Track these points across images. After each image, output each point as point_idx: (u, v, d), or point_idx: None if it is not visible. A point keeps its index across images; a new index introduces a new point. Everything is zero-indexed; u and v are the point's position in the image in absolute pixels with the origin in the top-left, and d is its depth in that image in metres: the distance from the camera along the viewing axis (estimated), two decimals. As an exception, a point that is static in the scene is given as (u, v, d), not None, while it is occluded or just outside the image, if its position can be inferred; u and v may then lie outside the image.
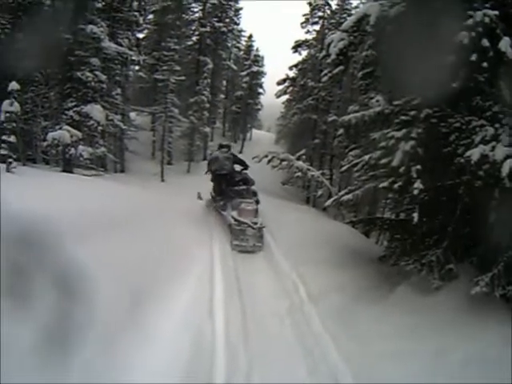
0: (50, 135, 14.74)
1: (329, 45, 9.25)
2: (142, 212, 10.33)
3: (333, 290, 8.28)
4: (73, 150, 15.32)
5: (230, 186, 13.12)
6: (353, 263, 9.78)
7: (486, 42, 6.95)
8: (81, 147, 15.64)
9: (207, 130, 30.33)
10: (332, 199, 11.58)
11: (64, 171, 15.78)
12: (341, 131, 15.97)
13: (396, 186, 8.30)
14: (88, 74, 16.23)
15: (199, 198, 15.63)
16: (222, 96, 37.34)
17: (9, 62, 18.47)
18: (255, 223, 11.35)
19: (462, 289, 6.88)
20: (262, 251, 10.95)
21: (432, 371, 5.37)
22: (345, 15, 25.70)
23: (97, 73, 16.61)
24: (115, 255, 6.62)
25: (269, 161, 20.36)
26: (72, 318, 3.98)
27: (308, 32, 29.34)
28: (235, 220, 11.53)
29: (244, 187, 13.13)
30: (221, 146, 14.64)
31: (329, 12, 29.37)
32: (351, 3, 28.41)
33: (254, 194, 13.27)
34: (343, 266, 9.46)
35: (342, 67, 9.59)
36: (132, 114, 27.16)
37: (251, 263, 10.10)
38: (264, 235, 11.56)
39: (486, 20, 6.85)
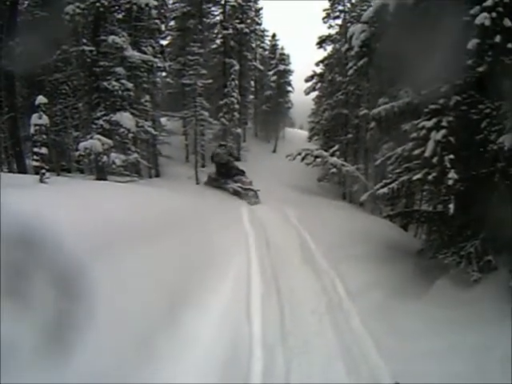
0: (82, 145, 14.81)
1: (351, 37, 9.19)
2: (178, 215, 10.28)
3: (371, 287, 8.20)
4: (105, 158, 15.34)
5: (228, 171, 21.40)
6: (391, 258, 9.72)
7: (508, 22, 6.73)
8: (113, 155, 15.65)
9: (239, 130, 30.29)
10: (367, 193, 11.50)
11: (98, 179, 15.90)
12: (372, 124, 15.76)
13: (430, 177, 8.21)
14: (114, 83, 16.25)
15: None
16: (252, 97, 37.41)
17: (36, 76, 19.03)
18: (253, 189, 20.02)
19: (502, 281, 6.72)
20: (301, 251, 10.78)
21: (473, 369, 5.16)
22: (365, 7, 25.17)
23: (123, 81, 16.61)
24: (154, 260, 6.67)
25: (302, 158, 20.31)
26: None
27: (330, 27, 29.12)
28: (241, 188, 20.30)
29: (240, 171, 21.44)
30: (220, 145, 23.49)
31: (349, 5, 29.15)
32: (371, -6, 28.01)
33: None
34: (381, 262, 9.40)
35: (366, 59, 9.51)
36: (163, 120, 27.30)
37: (291, 264, 9.89)
38: (302, 234, 12.10)
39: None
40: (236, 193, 20.56)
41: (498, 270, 7.23)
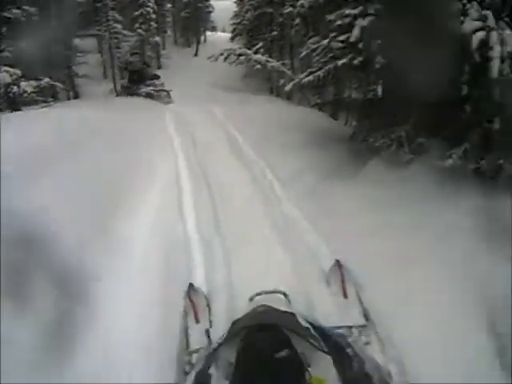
0: (-12, 78, 13.90)
1: None
2: (100, 128, 9.82)
3: (303, 172, 8.27)
4: (16, 88, 14.49)
5: (141, 77, 21.51)
6: (322, 144, 9.68)
7: None
8: (23, 83, 14.79)
9: (157, 39, 29.90)
10: (292, 82, 11.29)
11: (13, 110, 15.04)
12: (297, 21, 15.42)
13: (356, 61, 8.00)
14: (16, 10, 15.32)
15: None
16: (169, 5, 35.71)
17: None
18: (165, 90, 21.13)
19: (434, 163, 6.67)
20: (229, 146, 10.81)
21: (409, 244, 5.24)
22: None
23: (25, 7, 15.71)
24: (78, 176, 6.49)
25: (225, 58, 20.09)
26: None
27: None
28: (154, 90, 20.98)
29: (154, 76, 22.06)
30: (132, 54, 24.14)
31: None
32: None
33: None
34: (313, 148, 9.39)
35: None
36: (76, 40, 25.86)
37: (217, 158, 9.87)
38: (229, 130, 12.39)
39: None
40: (148, 95, 20.79)
41: (429, 153, 7.16)
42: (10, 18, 15.40)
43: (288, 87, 11.46)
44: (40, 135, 7.20)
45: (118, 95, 23.61)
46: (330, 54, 9.38)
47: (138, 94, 21.10)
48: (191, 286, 4.60)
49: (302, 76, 10.11)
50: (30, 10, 16.01)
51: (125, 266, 5.25)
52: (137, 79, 21.71)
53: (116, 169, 7.72)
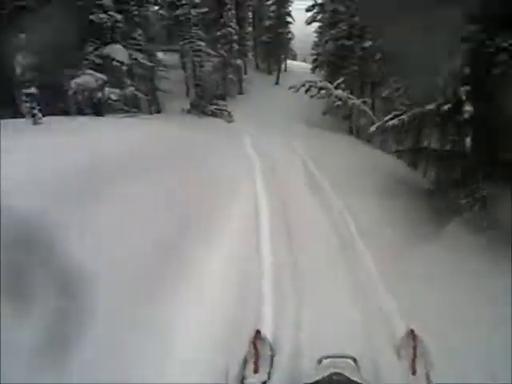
0: (74, 82, 14.27)
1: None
2: (183, 148, 10.14)
3: (382, 224, 8.07)
4: (100, 94, 14.82)
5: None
6: (400, 195, 9.48)
7: None
8: (108, 89, 15.10)
9: (239, 62, 29.63)
10: (376, 125, 11.15)
11: (95, 115, 15.40)
12: (379, 56, 15.17)
13: (445, 107, 7.77)
14: (102, 15, 15.51)
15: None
16: (250, 28, 36.44)
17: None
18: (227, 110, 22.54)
19: None
20: (309, 183, 10.67)
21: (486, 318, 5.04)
22: None
23: (111, 13, 15.88)
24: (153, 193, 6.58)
25: (306, 90, 20.07)
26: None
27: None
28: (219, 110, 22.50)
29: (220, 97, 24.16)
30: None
31: None
32: None
33: None
34: (391, 198, 9.18)
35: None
36: (159, 54, 26.43)
37: (295, 194, 9.85)
38: (308, 166, 12.23)
39: None
40: (213, 114, 23.25)
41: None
42: (95, 22, 15.67)
43: (371, 129, 11.28)
44: (131, 144, 7.58)
45: (188, 112, 24.09)
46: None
47: (205, 112, 23.17)
48: (258, 332, 4.41)
49: (387, 118, 9.91)
50: (115, 16, 16.27)
51: (193, 298, 5.24)
52: (202, 98, 24.22)
53: (197, 190, 7.88)
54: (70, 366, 3.51)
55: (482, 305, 5.32)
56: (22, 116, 15.83)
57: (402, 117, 9.25)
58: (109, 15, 15.72)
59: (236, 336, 4.66)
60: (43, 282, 3.72)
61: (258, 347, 4.25)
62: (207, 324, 4.89)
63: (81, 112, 19.59)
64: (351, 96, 20.61)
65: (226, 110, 23.93)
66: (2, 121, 13.43)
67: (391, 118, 9.63)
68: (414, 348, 4.28)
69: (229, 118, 23.27)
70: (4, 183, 4.03)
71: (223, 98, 25.19)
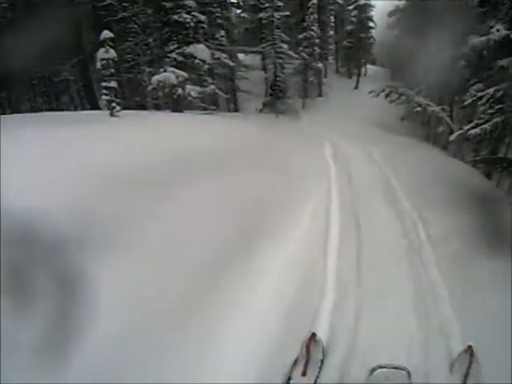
0: (155, 78, 14.72)
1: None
2: (257, 148, 10.37)
3: (452, 234, 7.93)
4: (180, 90, 15.17)
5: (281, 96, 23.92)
6: (473, 205, 9.14)
7: None
8: (188, 87, 15.50)
9: (320, 65, 29.48)
10: (457, 133, 10.99)
11: (173, 112, 15.80)
12: (461, 63, 14.82)
13: None
14: (185, 15, 15.91)
15: None
16: (332, 32, 36.26)
17: (101, 18, 19.05)
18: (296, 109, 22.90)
19: None
20: (383, 190, 10.74)
21: None
22: None
23: (195, 13, 16.31)
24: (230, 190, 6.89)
25: (387, 95, 20.26)
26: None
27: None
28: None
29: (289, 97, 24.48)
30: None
31: None
32: None
33: None
34: (463, 208, 8.89)
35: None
36: (240, 56, 26.87)
37: (370, 199, 9.97)
38: (385, 173, 12.24)
39: None
40: (282, 112, 24.05)
41: None
42: (178, 22, 16.08)
43: (452, 138, 11.11)
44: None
45: (261, 111, 24.63)
46: (499, 106, 8.91)
47: (277, 111, 23.80)
48: (313, 335, 4.46)
49: (468, 127, 9.72)
50: (199, 16, 16.67)
51: (251, 300, 5.32)
52: (276, 97, 25.02)
53: (269, 189, 8.07)
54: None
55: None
56: (100, 109, 16.66)
57: (483, 126, 9.05)
58: (192, 15, 16.13)
59: (291, 344, 4.67)
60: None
61: (311, 350, 4.31)
62: (260, 333, 4.91)
63: (157, 107, 20.27)
64: (431, 103, 20.26)
65: (294, 109, 24.91)
66: (83, 112, 14.12)
67: (472, 127, 9.43)
68: (469, 365, 4.24)
69: (296, 115, 24.28)
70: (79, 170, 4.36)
71: (290, 98, 25.93)
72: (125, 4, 18.76)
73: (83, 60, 17.56)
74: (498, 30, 10.71)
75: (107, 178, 4.82)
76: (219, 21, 21.88)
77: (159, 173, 5.71)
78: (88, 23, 20.19)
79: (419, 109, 20.35)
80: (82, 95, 21.42)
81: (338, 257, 6.83)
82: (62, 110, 20.36)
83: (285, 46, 25.24)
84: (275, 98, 25.11)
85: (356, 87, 33.47)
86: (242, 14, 28.83)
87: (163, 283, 4.47)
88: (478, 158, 13.34)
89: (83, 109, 21.16)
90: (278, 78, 25.82)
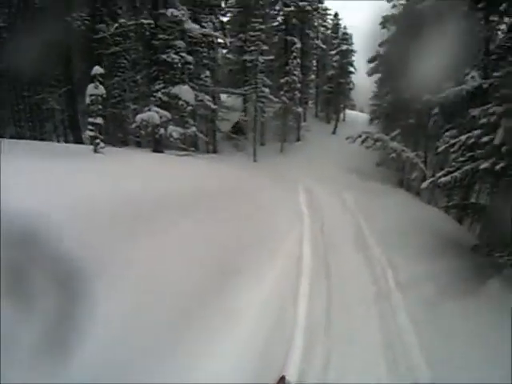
0: (139, 116, 15.03)
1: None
2: (235, 190, 10.70)
3: (422, 280, 8.07)
4: (162, 131, 15.45)
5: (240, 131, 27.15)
6: (444, 251, 9.38)
7: None
8: (171, 127, 15.82)
9: (300, 110, 29.99)
10: (428, 181, 11.23)
11: (155, 151, 16.04)
12: (436, 110, 15.33)
13: (498, 167, 7.83)
14: (174, 56, 16.25)
15: None
16: (313, 76, 36.78)
17: (93, 50, 19.49)
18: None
19: None
20: (354, 236, 10.88)
21: None
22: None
23: (183, 54, 16.63)
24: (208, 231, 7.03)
25: (363, 141, 20.42)
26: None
27: (394, 6, 27.92)
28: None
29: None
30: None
31: (414, -15, 27.93)
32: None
33: None
34: (434, 254, 9.13)
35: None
36: (223, 96, 27.32)
37: (341, 245, 10.09)
38: (357, 219, 12.41)
39: None
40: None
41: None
42: (166, 62, 16.37)
43: (423, 186, 11.41)
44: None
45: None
46: (469, 154, 9.24)
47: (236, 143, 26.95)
48: (283, 378, 4.44)
49: (439, 175, 10.02)
50: (187, 57, 16.94)
51: (224, 339, 5.35)
52: (237, 132, 27.76)
53: (245, 231, 8.25)
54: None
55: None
56: (82, 141, 16.85)
57: (454, 174, 9.34)
58: (180, 56, 16.43)
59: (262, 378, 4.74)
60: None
61: None
62: (230, 374, 4.91)
63: (139, 145, 20.50)
64: (405, 149, 20.71)
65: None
66: (67, 145, 14.25)
67: (444, 175, 9.72)
68: None
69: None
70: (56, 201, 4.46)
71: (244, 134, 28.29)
72: (117, 38, 19.07)
73: (71, 90, 17.76)
74: (472, 77, 11.13)
75: (94, 213, 4.96)
76: (205, 61, 22.32)
77: (142, 210, 5.84)
78: (79, 53, 20.60)
79: (394, 155, 20.78)
80: (66, 125, 21.60)
81: (309, 302, 6.94)
82: (45, 138, 20.76)
83: (266, 90, 25.71)
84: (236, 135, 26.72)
85: (334, 132, 33.97)
86: (228, 55, 29.40)
87: (140, 318, 4.53)
88: (450, 204, 13.67)
89: (66, 139, 21.55)
90: (240, 119, 27.56)
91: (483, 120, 8.52)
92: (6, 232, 3.63)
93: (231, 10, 31.87)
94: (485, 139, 8.36)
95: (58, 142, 21.17)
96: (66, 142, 20.53)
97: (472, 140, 9.17)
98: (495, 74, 8.60)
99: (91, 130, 9.40)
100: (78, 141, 17.61)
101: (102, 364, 3.81)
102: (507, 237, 8.18)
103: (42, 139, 19.65)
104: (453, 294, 7.34)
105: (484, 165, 8.22)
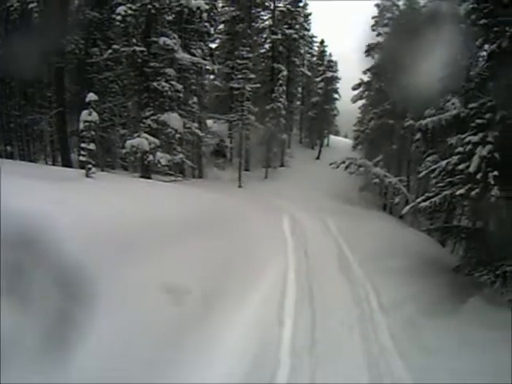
0: (129, 143, 15.19)
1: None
2: (220, 216, 10.72)
3: (405, 301, 8.19)
4: (151, 157, 15.64)
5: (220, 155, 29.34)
6: (427, 273, 9.71)
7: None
8: (159, 154, 16.00)
9: (284, 136, 30.41)
10: (409, 206, 11.45)
11: (142, 177, 16.23)
12: (418, 136, 15.70)
13: (473, 193, 8.10)
14: (164, 84, 16.51)
15: None
16: (298, 103, 37.32)
17: (86, 74, 19.82)
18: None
19: None
20: (338, 260, 10.94)
21: None
22: (413, 15, 24.68)
23: (173, 82, 16.88)
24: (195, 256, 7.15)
25: (346, 166, 20.89)
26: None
27: (379, 34, 28.68)
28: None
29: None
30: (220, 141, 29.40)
31: (397, 13, 28.55)
32: (419, 2, 27.56)
33: None
34: (417, 276, 9.42)
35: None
36: (209, 122, 27.67)
37: (325, 270, 10.10)
38: (340, 244, 12.44)
39: None
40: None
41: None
42: (157, 89, 16.62)
43: (404, 211, 11.69)
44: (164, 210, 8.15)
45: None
46: (448, 179, 9.50)
47: (217, 164, 28.09)
48: None
49: (419, 200, 10.24)
50: (177, 85, 17.18)
51: (210, 362, 5.43)
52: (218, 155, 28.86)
53: (230, 257, 8.39)
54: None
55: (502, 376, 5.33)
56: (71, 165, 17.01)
57: (433, 199, 9.56)
58: (170, 84, 16.71)
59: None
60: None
61: None
62: None
63: (125, 169, 20.73)
64: (388, 174, 21.22)
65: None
66: (59, 168, 14.40)
67: (424, 200, 9.93)
68: None
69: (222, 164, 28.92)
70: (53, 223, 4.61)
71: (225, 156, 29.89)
72: (110, 63, 19.31)
73: (62, 112, 17.96)
74: (453, 104, 11.47)
75: (89, 235, 5.13)
76: (193, 87, 22.54)
77: (127, 237, 5.94)
78: (72, 76, 21.07)
79: (377, 180, 21.29)
80: (55, 147, 21.75)
81: (293, 325, 6.99)
82: (34, 159, 21.13)
83: (252, 117, 26.01)
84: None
85: (318, 158, 34.45)
86: (215, 82, 29.72)
87: (126, 346, 4.55)
88: (432, 227, 13.92)
89: (54, 160, 21.69)
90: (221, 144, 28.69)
91: (459, 148, 8.83)
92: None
93: (220, 36, 32.54)
94: (461, 166, 8.64)
95: (47, 163, 21.25)
96: (55, 163, 20.66)
97: (451, 167, 9.44)
98: (471, 104, 8.91)
99: (83, 155, 9.59)
100: (67, 163, 17.74)
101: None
102: (488, 256, 8.49)
103: (30, 160, 19.89)
104: (435, 313, 7.62)
105: (460, 191, 8.49)
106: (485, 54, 9.32)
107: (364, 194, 25.66)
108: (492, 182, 7.74)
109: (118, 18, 15.79)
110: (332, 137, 42.29)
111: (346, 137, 48.58)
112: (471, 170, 8.03)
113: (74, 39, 19.61)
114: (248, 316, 6.92)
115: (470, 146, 8.29)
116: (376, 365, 6.09)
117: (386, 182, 21.03)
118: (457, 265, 9.79)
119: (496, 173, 7.73)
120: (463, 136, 8.79)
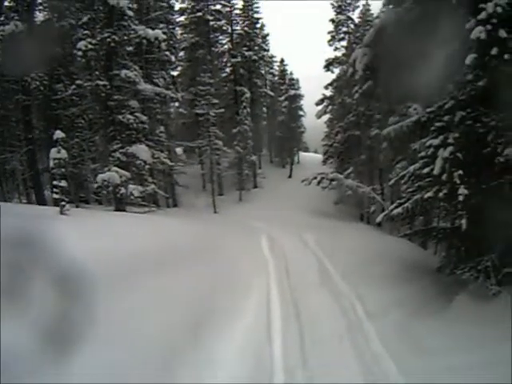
0: (100, 177, 15.15)
1: (354, 62, 9.28)
2: (199, 244, 10.63)
3: (391, 306, 8.17)
4: (123, 190, 15.61)
5: None
6: (410, 277, 9.74)
7: (503, 33, 6.83)
8: (131, 186, 15.93)
9: (254, 158, 30.71)
10: (382, 214, 11.49)
11: (117, 210, 16.22)
12: (385, 144, 15.92)
13: (441, 194, 8.21)
14: (129, 116, 16.61)
15: None
16: (265, 123, 37.93)
17: (52, 110, 19.83)
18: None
19: None
20: (319, 274, 10.81)
21: None
22: (368, 27, 25.34)
23: (137, 114, 16.99)
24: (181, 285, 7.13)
25: (318, 182, 20.69)
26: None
27: (336, 49, 29.42)
28: None
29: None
30: None
31: (353, 26, 29.45)
32: (372, 14, 28.33)
33: None
34: (401, 281, 9.45)
35: (371, 82, 9.58)
36: (178, 150, 27.67)
37: (308, 284, 10.00)
38: (320, 258, 12.26)
39: (499, 10, 6.75)
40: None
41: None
42: (122, 122, 16.70)
43: (378, 219, 11.74)
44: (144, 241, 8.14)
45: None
46: (417, 183, 9.61)
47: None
48: None
49: (392, 207, 10.29)
50: (141, 117, 17.27)
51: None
52: None
53: (212, 282, 8.33)
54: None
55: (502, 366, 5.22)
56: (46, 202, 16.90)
57: (405, 205, 9.60)
58: (135, 116, 16.81)
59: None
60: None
61: None
62: None
63: (99, 203, 20.67)
64: (360, 184, 21.31)
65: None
66: (32, 206, 14.29)
67: (396, 207, 9.96)
68: None
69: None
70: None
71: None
72: (75, 98, 19.45)
73: (32, 150, 17.90)
74: (415, 109, 11.61)
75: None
76: (159, 116, 22.73)
77: (110, 271, 5.96)
78: (38, 113, 21.15)
79: (350, 192, 21.44)
80: (28, 185, 21.61)
81: (283, 343, 6.87)
82: (7, 198, 20.77)
83: (220, 142, 26.27)
84: None
85: (290, 176, 34.54)
86: (180, 109, 30.02)
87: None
88: (411, 232, 13.98)
89: (28, 198, 21.57)
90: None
91: (422, 153, 8.96)
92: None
93: (181, 63, 32.95)
94: (426, 170, 8.74)
95: (21, 201, 21.08)
96: (29, 201, 20.50)
97: (418, 171, 9.56)
98: (429, 109, 9.06)
99: (56, 193, 9.57)
100: (41, 201, 17.66)
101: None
102: (468, 254, 8.61)
103: (4, 199, 19.63)
104: (423, 314, 7.66)
105: (428, 194, 8.59)
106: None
107: (339, 207, 26.05)
108: (458, 182, 7.79)
109: (79, 53, 15.91)
110: (302, 153, 42.67)
111: (315, 152, 48.97)
112: (435, 172, 8.11)
113: (38, 76, 19.58)
114: (238, 335, 6.90)
115: (432, 150, 8.36)
116: (371, 372, 6.04)
117: (359, 193, 21.15)
118: (439, 265, 9.88)
119: (461, 172, 7.83)
120: (424, 140, 8.91)
